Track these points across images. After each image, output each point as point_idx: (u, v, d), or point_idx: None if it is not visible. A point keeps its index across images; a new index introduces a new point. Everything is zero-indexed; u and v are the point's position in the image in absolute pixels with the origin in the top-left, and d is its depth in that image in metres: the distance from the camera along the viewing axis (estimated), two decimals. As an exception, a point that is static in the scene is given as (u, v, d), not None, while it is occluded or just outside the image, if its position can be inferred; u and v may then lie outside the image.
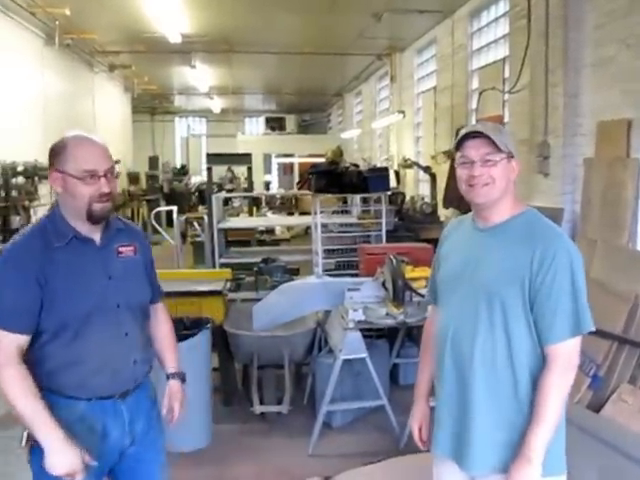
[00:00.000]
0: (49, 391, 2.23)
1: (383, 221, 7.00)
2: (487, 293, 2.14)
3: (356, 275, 6.39)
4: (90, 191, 2.19)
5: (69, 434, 2.18)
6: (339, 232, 7.22)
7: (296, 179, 19.60)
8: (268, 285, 6.49)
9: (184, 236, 11.50)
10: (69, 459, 2.16)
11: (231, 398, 5.46)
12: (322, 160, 20.00)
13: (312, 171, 6.97)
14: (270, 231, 10.40)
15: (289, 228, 11.81)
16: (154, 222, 7.83)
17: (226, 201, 15.50)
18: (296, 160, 20.21)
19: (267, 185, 18.72)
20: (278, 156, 22.09)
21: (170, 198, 19.70)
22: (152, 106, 23.29)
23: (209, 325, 4.73)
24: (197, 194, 23.05)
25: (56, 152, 2.24)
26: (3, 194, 7.21)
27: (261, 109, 26.62)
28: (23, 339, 2.18)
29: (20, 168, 8.44)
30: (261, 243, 9.61)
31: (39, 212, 9.77)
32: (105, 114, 15.25)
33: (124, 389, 2.37)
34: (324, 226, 7.18)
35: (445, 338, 2.25)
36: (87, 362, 2.28)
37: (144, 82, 16.65)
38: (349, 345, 4.53)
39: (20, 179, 8.08)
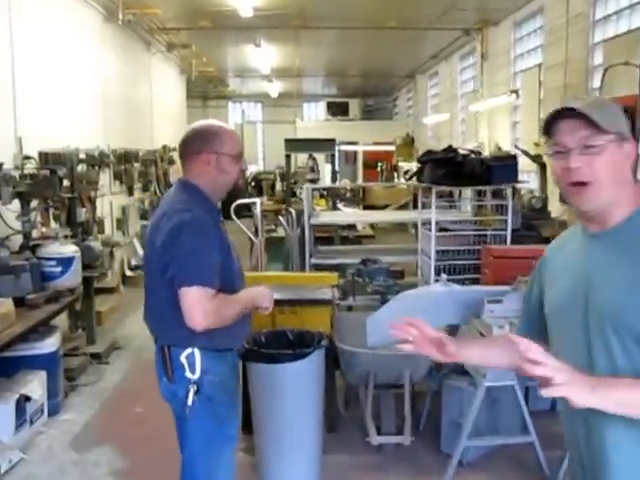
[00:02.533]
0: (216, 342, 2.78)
1: (509, 218, 6.44)
2: (607, 325, 1.67)
3: (476, 281, 5.88)
4: (235, 169, 2.85)
5: (230, 383, 2.90)
6: (452, 231, 6.65)
7: (360, 168, 19.07)
8: (369, 290, 6.02)
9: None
10: (264, 290, 2.97)
11: (335, 423, 4.99)
12: (387, 148, 19.82)
13: (426, 159, 6.41)
14: (351, 227, 9.86)
15: (372, 225, 11.26)
16: (234, 216, 7.41)
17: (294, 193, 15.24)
18: (360, 148, 19.55)
19: (335, 175, 18.16)
20: (340, 144, 21.57)
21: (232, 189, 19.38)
22: (205, 90, 23.00)
23: (324, 342, 4.25)
24: (254, 184, 22.88)
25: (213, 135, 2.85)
26: (68, 184, 6.84)
27: (321, 93, 26.20)
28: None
29: (82, 155, 8.10)
30: (344, 240, 9.06)
31: (105, 204, 9.54)
32: (161, 99, 14.97)
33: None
34: (428, 223, 6.66)
35: None
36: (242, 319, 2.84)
37: (202, 63, 16.29)
38: (495, 370, 4.00)
39: (83, 167, 7.74)
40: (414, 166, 20.04)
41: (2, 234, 5.98)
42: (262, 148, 27.01)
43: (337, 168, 20.83)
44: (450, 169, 6.12)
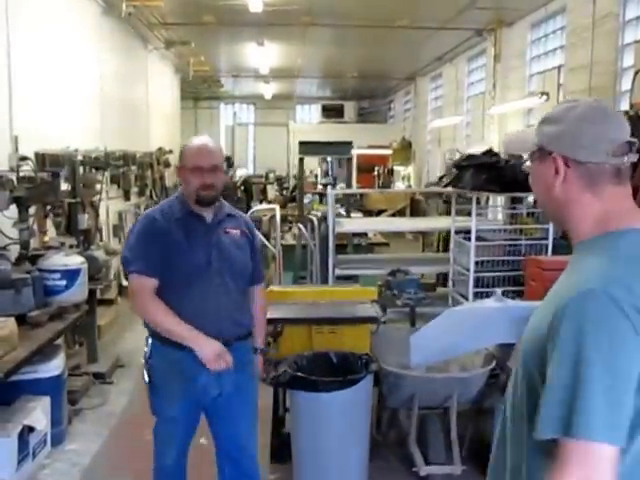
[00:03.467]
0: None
1: (550, 227, 6.06)
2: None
3: (519, 294, 5.49)
4: (194, 181, 3.12)
5: (165, 374, 3.23)
6: (488, 240, 6.22)
7: (354, 172, 18.66)
8: (399, 303, 5.60)
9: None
10: (215, 345, 3.09)
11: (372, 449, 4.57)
12: (384, 152, 19.43)
13: (466, 164, 5.98)
14: (362, 234, 9.41)
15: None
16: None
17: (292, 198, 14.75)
18: (355, 151, 19.08)
19: (334, 179, 17.73)
20: (333, 147, 21.09)
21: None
22: (196, 91, 22.51)
23: (373, 367, 3.84)
24: (242, 188, 22.42)
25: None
26: (69, 188, 6.35)
27: (315, 95, 25.78)
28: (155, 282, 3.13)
29: (80, 157, 7.61)
30: (357, 248, 8.60)
31: (110, 211, 9.03)
32: (157, 99, 14.50)
33: (220, 340, 3.13)
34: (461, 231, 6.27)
35: None
36: (186, 312, 3.09)
37: (199, 62, 15.81)
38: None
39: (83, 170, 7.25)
40: (411, 170, 20.02)
41: (-1, 243, 5.49)
42: (253, 151, 26.52)
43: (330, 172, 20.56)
44: (492, 174, 5.70)
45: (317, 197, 12.88)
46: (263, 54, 15.02)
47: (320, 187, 11.88)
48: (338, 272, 6.33)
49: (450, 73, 16.32)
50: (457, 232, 6.63)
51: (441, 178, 7.86)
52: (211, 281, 3.16)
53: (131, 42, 12.05)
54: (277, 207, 7.14)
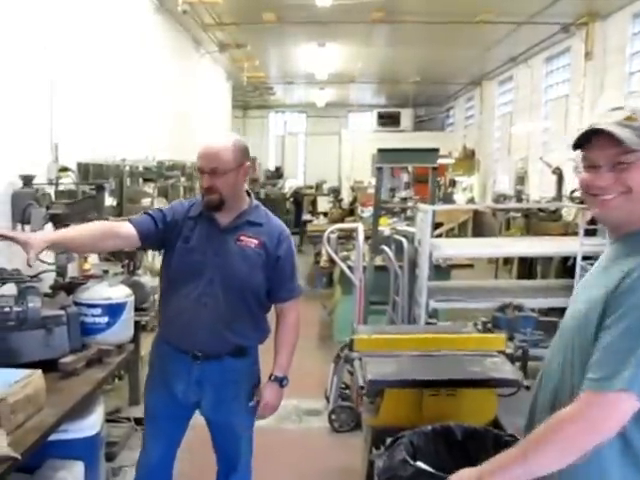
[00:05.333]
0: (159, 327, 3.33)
1: None
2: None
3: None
4: (201, 182, 3.04)
5: (155, 364, 3.28)
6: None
7: (406, 182, 17.60)
8: (511, 346, 4.55)
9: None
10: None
11: None
12: (446, 161, 18.33)
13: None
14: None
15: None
16: (326, 245, 6.14)
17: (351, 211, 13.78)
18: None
19: (393, 191, 16.70)
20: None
21: (264, 204, 18.14)
22: (246, 99, 21.77)
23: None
24: (292, 200, 21.60)
25: None
26: (114, 203, 5.50)
27: (369, 103, 24.88)
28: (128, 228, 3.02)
29: (127, 167, 6.76)
30: (437, 271, 7.44)
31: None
32: (207, 106, 13.73)
33: (190, 348, 3.05)
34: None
35: None
36: (173, 312, 3.10)
37: (253, 67, 15.00)
38: None
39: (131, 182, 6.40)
40: (474, 181, 18.87)
41: (28, 269, 4.57)
42: (303, 161, 25.73)
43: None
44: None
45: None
46: (323, 57, 14.29)
47: (397, 200, 10.90)
48: (436, 305, 5.27)
49: (524, 75, 15.18)
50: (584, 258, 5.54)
51: (573, 192, 6.80)
52: (198, 287, 3.01)
53: (183, 45, 11.33)
54: (360, 226, 6.14)
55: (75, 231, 3.03)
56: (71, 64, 5.99)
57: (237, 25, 11.31)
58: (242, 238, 3.04)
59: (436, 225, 14.74)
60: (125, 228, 3.01)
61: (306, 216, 17.48)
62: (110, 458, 4.54)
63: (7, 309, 3.79)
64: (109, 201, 5.68)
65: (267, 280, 3.10)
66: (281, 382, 3.25)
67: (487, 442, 3.00)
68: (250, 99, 21.98)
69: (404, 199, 10.55)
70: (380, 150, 7.29)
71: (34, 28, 5.30)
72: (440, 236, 11.23)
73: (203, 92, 13.13)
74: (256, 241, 3.05)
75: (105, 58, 6.95)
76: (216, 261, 3.01)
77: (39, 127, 5.20)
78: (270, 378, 3.23)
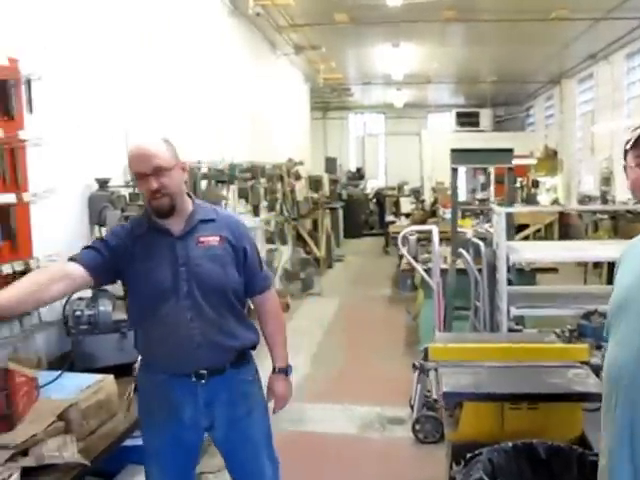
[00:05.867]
0: (143, 360, 2.96)
1: None
2: None
3: None
4: (143, 190, 2.73)
5: (149, 399, 2.89)
6: None
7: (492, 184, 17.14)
8: (597, 357, 4.22)
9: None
10: None
11: None
12: (528, 161, 17.75)
13: None
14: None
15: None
16: (402, 247, 5.93)
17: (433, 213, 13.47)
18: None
19: (473, 192, 16.26)
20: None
21: (346, 205, 18.06)
22: (326, 101, 21.62)
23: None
24: (375, 201, 21.38)
25: None
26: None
27: (447, 103, 24.39)
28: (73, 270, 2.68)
29: (204, 169, 6.72)
30: (520, 274, 7.04)
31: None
32: (286, 108, 13.61)
33: (193, 370, 2.77)
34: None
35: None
36: (154, 342, 2.82)
37: (329, 69, 14.82)
38: None
39: (207, 184, 6.35)
40: (558, 182, 18.20)
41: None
42: (384, 162, 25.43)
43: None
44: None
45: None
46: (398, 57, 13.97)
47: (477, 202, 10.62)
48: (516, 312, 4.96)
49: (604, 73, 14.52)
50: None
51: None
52: (179, 305, 2.74)
53: (259, 48, 11.21)
54: (435, 228, 5.91)
55: (19, 291, 2.51)
56: (148, 68, 5.94)
57: (310, 26, 11.11)
58: (201, 239, 2.80)
59: (521, 227, 14.36)
60: (70, 267, 2.69)
61: (389, 217, 17.29)
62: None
63: (79, 312, 3.75)
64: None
65: (241, 275, 2.88)
66: (286, 372, 3.08)
67: (571, 461, 2.76)
68: (329, 101, 21.81)
69: (481, 200, 10.21)
70: (453, 150, 7.03)
71: (113, 31, 5.28)
72: (527, 238, 10.78)
73: (281, 94, 13.01)
74: (217, 237, 2.82)
75: (182, 62, 6.89)
76: (187, 271, 2.75)
77: (114, 131, 5.16)
78: (274, 371, 3.07)
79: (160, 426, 2.87)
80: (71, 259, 2.73)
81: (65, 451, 2.80)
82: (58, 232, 4.14)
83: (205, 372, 2.79)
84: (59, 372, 3.49)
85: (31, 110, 3.88)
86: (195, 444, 2.98)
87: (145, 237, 2.80)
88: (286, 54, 12.92)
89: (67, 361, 3.77)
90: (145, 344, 2.91)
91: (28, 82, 3.84)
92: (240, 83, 9.52)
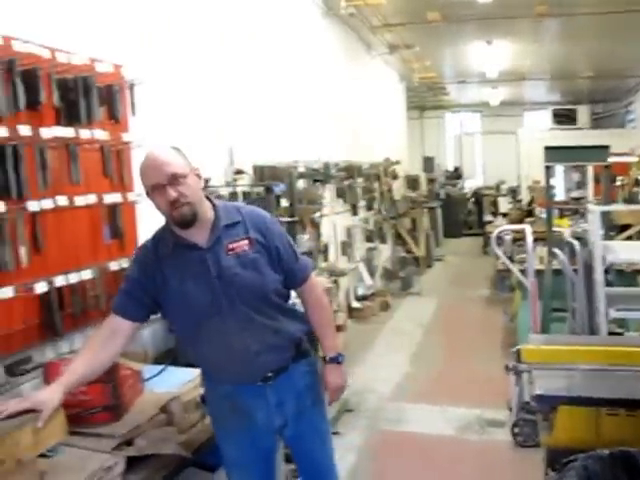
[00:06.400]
0: (203, 372, 2.91)
1: None
2: None
3: None
4: (161, 202, 2.53)
5: (219, 410, 2.81)
6: None
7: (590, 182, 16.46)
8: None
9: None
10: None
11: None
12: (627, 159, 16.94)
13: None
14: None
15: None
16: (495, 247, 5.76)
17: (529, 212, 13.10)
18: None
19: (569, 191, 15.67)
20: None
21: (445, 205, 17.80)
22: (422, 100, 21.37)
23: None
24: (474, 200, 20.99)
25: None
26: (288, 204, 5.43)
27: (543, 100, 23.69)
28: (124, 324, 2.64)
29: (301, 169, 6.74)
30: (620, 275, 6.65)
31: (338, 227, 8.22)
32: (382, 107, 13.52)
33: (259, 376, 2.69)
34: None
35: None
36: (210, 357, 2.73)
37: (424, 68, 14.61)
38: None
39: (304, 183, 6.36)
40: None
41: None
42: (481, 161, 24.95)
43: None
44: None
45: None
46: (491, 54, 13.56)
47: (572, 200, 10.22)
48: (615, 314, 4.69)
49: None
50: None
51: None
52: (225, 319, 2.62)
53: (354, 48, 11.16)
54: (528, 227, 5.71)
55: (82, 367, 2.53)
56: (245, 71, 6.01)
57: (403, 26, 10.95)
58: (231, 246, 2.64)
59: (624, 227, 13.72)
60: (115, 325, 2.64)
61: (487, 217, 16.95)
62: (289, 460, 4.45)
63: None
64: (283, 202, 5.65)
65: (279, 273, 2.74)
66: (337, 360, 2.91)
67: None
68: (425, 100, 21.56)
69: (576, 199, 9.81)
70: (547, 148, 6.77)
71: (211, 37, 5.36)
72: (630, 238, 10.28)
73: (376, 94, 12.93)
74: (246, 241, 2.67)
75: (277, 64, 6.93)
76: (223, 284, 2.61)
77: (213, 131, 5.24)
78: (326, 361, 2.91)
79: (235, 435, 2.80)
80: (113, 312, 2.67)
81: (167, 443, 2.84)
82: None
83: (271, 374, 2.72)
84: (162, 367, 3.56)
85: (134, 113, 3.98)
86: (272, 447, 2.92)
87: (172, 256, 2.64)
88: (381, 54, 12.82)
89: (171, 356, 3.84)
90: (200, 361, 2.85)
91: (131, 87, 3.93)
92: (336, 83, 9.51)
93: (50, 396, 2.32)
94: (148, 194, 2.58)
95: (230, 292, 2.61)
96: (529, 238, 5.56)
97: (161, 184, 2.50)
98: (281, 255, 2.74)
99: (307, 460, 3.00)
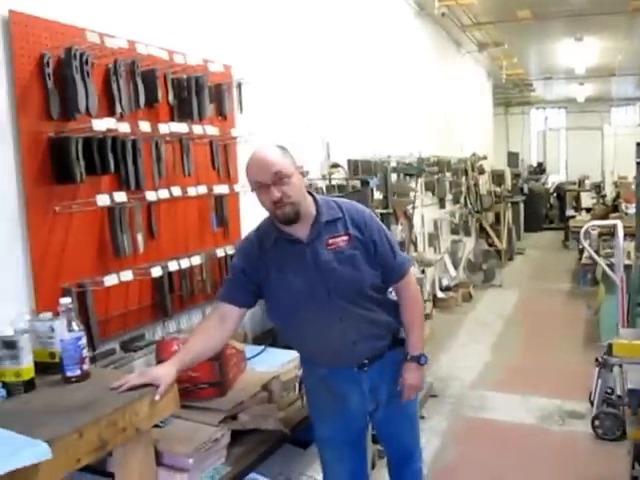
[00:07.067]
0: (301, 355, 2.95)
1: None
2: None
3: None
4: (265, 200, 2.52)
5: (315, 391, 2.87)
6: None
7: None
8: None
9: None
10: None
11: None
12: None
13: None
14: None
15: None
16: (583, 241, 5.62)
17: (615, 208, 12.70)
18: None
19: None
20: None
21: (527, 199, 17.38)
22: (508, 96, 20.89)
23: None
24: (556, 195, 20.43)
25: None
26: (381, 196, 5.45)
27: (632, 96, 22.77)
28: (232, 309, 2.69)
29: (393, 163, 6.74)
30: None
31: (426, 220, 8.22)
32: (470, 104, 13.33)
33: (355, 363, 2.71)
34: None
35: None
36: (307, 343, 2.77)
37: (511, 65, 14.29)
38: None
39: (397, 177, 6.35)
40: None
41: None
42: (565, 157, 24.24)
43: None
44: None
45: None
46: (580, 51, 13.16)
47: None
48: None
49: None
50: None
51: None
52: (323, 310, 2.63)
53: (444, 47, 11.03)
54: (619, 223, 5.54)
55: (197, 346, 2.59)
56: (341, 70, 6.04)
57: (493, 24, 10.74)
58: (331, 241, 2.63)
59: None
60: (224, 311, 2.67)
61: (569, 212, 16.50)
62: (376, 441, 4.50)
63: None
64: (378, 195, 5.68)
65: (376, 268, 2.70)
66: (419, 360, 2.84)
67: None
68: (511, 96, 21.08)
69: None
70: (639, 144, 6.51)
71: (310, 38, 5.43)
72: None
73: (464, 91, 12.73)
74: (345, 237, 2.65)
75: (372, 63, 6.94)
76: (321, 276, 2.61)
77: (313, 128, 5.31)
78: (407, 358, 2.83)
79: (329, 417, 2.83)
80: (221, 299, 2.72)
81: (268, 419, 2.93)
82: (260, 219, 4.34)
83: (366, 361, 2.72)
84: (263, 347, 3.65)
85: (242, 110, 4.08)
86: (363, 429, 2.98)
87: (274, 248, 2.66)
88: (470, 52, 12.63)
89: (269, 337, 3.93)
90: (298, 345, 2.87)
91: (239, 86, 4.04)
92: (427, 81, 9.45)
93: (166, 372, 2.40)
94: (253, 190, 2.59)
95: (327, 285, 2.61)
96: (620, 233, 5.41)
97: (266, 183, 2.49)
98: (378, 250, 2.70)
99: (395, 442, 3.02)
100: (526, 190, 18.78)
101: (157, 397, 2.32)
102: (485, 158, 12.48)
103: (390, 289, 2.86)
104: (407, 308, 2.83)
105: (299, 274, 2.62)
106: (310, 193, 2.72)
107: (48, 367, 2.49)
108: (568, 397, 5.53)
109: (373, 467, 3.94)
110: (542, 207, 19.87)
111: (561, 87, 20.14)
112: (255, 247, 2.70)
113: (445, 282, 9.36)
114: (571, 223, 13.52)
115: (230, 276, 2.77)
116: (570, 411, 5.33)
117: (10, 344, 2.32)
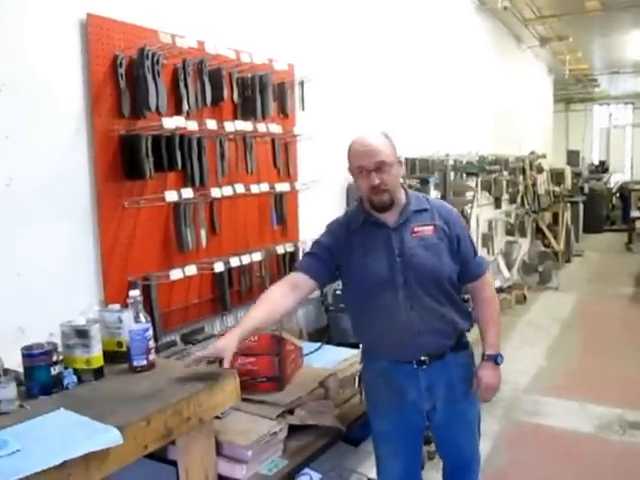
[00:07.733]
0: (364, 348, 2.99)
1: None
2: None
3: None
4: (363, 184, 2.66)
5: (374, 386, 2.91)
6: None
7: None
8: None
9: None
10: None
11: None
12: None
13: None
14: None
15: None
16: None
17: None
18: None
19: None
20: None
21: (587, 199, 17.12)
22: (568, 92, 20.54)
23: None
24: (619, 195, 20.04)
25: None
26: (439, 195, 5.51)
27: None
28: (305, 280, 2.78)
29: (450, 162, 6.76)
30: None
31: (480, 220, 8.24)
32: (530, 101, 13.21)
33: (415, 357, 2.75)
34: None
35: None
36: (375, 330, 2.79)
37: (575, 60, 14.06)
38: None
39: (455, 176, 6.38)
40: None
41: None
42: (630, 155, 23.71)
43: None
44: None
45: None
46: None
47: None
48: None
49: None
50: None
51: None
52: (398, 295, 2.69)
53: (504, 42, 10.95)
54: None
55: (260, 313, 2.65)
56: (400, 68, 6.11)
57: (558, 17, 10.53)
58: (416, 229, 2.73)
59: None
60: (297, 279, 2.77)
61: (634, 212, 16.19)
62: (428, 442, 4.58)
63: (338, 292, 4.02)
64: (434, 194, 5.73)
65: (455, 263, 2.76)
66: (495, 360, 2.84)
67: None
68: (572, 92, 20.70)
69: None
70: None
71: (370, 37, 5.51)
72: None
73: (524, 88, 12.61)
74: (431, 227, 2.74)
75: (430, 59, 6.98)
76: (402, 261, 2.69)
77: (372, 126, 5.36)
78: (483, 358, 2.85)
79: (387, 411, 2.87)
80: (299, 268, 2.82)
81: (325, 415, 3.04)
82: (319, 218, 4.44)
83: (426, 358, 2.75)
84: (319, 344, 3.77)
85: (303, 108, 4.20)
86: (419, 426, 2.95)
87: (361, 230, 2.78)
88: (531, 47, 12.47)
89: (324, 335, 4.05)
90: (365, 333, 2.90)
91: (301, 84, 4.16)
92: (487, 78, 9.42)
93: (227, 342, 2.48)
94: (352, 173, 2.71)
95: (407, 271, 2.68)
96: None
97: (368, 169, 2.61)
98: (461, 246, 2.79)
99: (452, 449, 3.03)
100: (587, 190, 18.50)
101: (226, 364, 2.44)
102: (544, 156, 12.35)
103: (466, 294, 2.94)
104: (484, 308, 2.89)
105: (381, 257, 2.71)
106: (401, 185, 2.84)
107: (115, 356, 2.66)
108: (630, 406, 5.42)
109: (422, 467, 4.01)
110: (603, 207, 19.53)
111: (628, 82, 19.69)
112: (343, 228, 2.82)
113: (498, 283, 9.33)
114: (637, 224, 13.24)
115: (312, 249, 2.87)
116: (632, 422, 5.20)
117: (82, 333, 2.49)
